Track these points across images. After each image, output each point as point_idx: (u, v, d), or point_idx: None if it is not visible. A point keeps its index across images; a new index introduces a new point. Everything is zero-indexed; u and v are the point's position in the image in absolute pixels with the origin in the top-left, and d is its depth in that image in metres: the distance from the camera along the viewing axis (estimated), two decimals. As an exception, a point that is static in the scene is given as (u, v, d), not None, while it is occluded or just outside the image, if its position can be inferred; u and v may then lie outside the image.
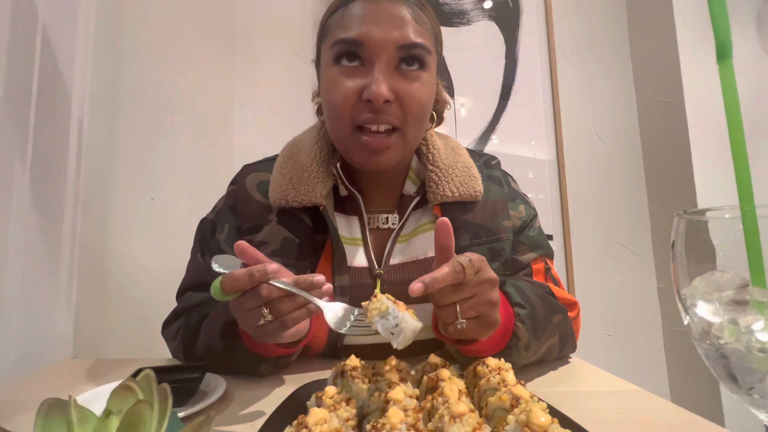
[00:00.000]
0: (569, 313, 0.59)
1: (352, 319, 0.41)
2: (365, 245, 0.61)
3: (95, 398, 0.41)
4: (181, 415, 0.39)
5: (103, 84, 1.04)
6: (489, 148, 1.42)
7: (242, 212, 0.62)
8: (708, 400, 1.16)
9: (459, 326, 0.41)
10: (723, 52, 0.24)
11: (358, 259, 0.60)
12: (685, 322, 0.29)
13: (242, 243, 0.43)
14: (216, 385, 0.46)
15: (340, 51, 0.54)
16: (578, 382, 0.54)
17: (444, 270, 0.39)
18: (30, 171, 0.81)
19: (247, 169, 0.66)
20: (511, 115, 1.43)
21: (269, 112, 1.35)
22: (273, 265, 0.40)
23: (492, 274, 0.43)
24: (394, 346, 0.36)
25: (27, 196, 0.81)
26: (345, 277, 0.57)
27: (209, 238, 0.63)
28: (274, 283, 0.40)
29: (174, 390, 0.22)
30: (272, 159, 0.66)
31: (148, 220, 1.11)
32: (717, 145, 1.22)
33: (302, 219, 0.60)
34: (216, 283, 0.40)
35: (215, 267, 0.42)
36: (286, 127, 1.29)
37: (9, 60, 0.76)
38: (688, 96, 1.25)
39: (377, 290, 0.46)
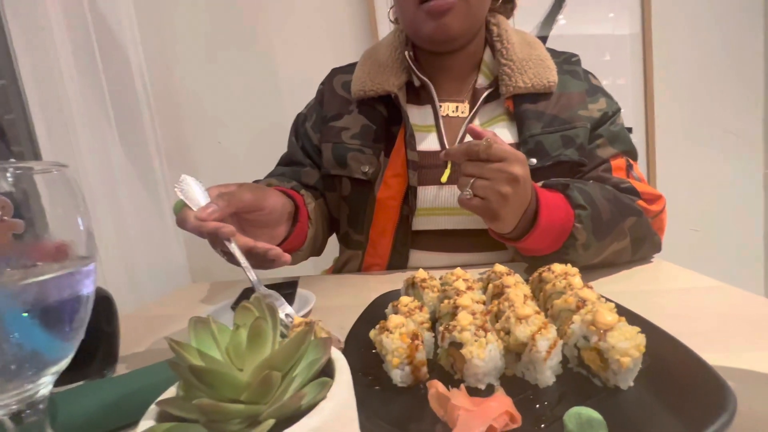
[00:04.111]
0: (653, 206, 0.58)
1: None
2: (438, 131, 0.65)
3: (216, 314, 0.52)
4: (284, 323, 0.47)
5: (152, 40, 1.07)
6: (555, 32, 1.22)
7: (327, 104, 0.72)
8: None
9: (464, 195, 0.49)
10: None
11: (431, 143, 0.65)
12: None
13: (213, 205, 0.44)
14: (307, 297, 0.54)
15: None
16: (653, 281, 0.53)
17: (459, 146, 0.49)
18: (117, 130, 0.91)
19: (335, 71, 0.76)
20: (583, -16, 1.19)
21: (307, 35, 1.29)
22: (226, 228, 0.42)
23: (518, 172, 0.46)
24: None
25: (120, 152, 0.92)
26: (415, 153, 0.63)
27: (300, 126, 0.75)
28: (231, 246, 0.42)
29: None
30: (356, 63, 0.72)
31: (220, 161, 1.21)
32: None
33: (379, 110, 0.67)
34: (177, 205, 0.43)
35: (178, 192, 0.44)
36: (325, 46, 1.23)
37: (70, 29, 0.80)
38: None
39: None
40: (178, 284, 1.00)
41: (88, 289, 0.24)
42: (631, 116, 1.22)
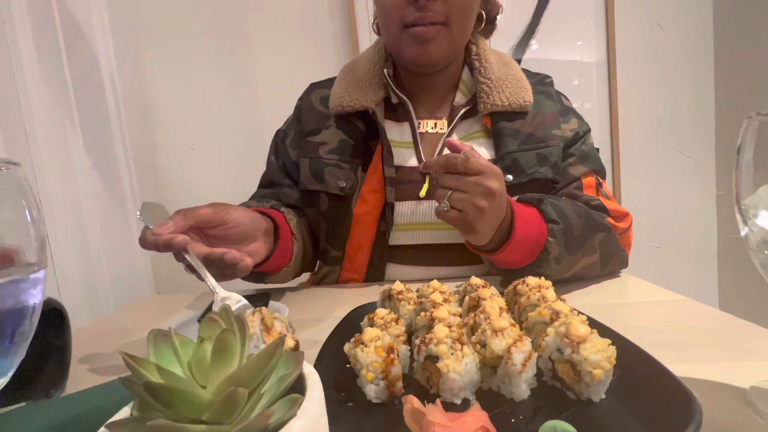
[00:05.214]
0: (621, 223, 0.61)
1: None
2: (416, 147, 0.65)
3: (181, 327, 0.49)
4: (254, 336, 0.45)
5: (123, 37, 1.03)
6: (528, 56, 1.28)
7: (305, 120, 0.71)
8: (759, 308, 1.14)
9: (441, 207, 0.49)
10: None
11: (409, 160, 0.65)
12: (743, 233, 0.28)
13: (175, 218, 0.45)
14: (279, 309, 0.52)
15: None
16: (621, 295, 0.55)
17: (438, 158, 0.50)
18: (81, 132, 0.86)
19: (313, 86, 0.75)
20: (553, 13, 1.26)
21: (286, 39, 1.28)
22: (179, 238, 0.42)
23: (495, 186, 0.47)
24: None
25: (83, 155, 0.87)
26: (392, 169, 0.63)
27: (280, 143, 0.74)
28: (189, 256, 0.43)
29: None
30: (334, 78, 0.73)
31: (193, 169, 1.17)
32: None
33: (357, 125, 0.67)
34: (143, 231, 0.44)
35: (139, 217, 0.44)
36: (304, 50, 1.23)
37: (33, 23, 0.76)
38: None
39: None
40: (141, 295, 0.94)
41: (34, 299, 0.21)
42: (597, 138, 1.28)
